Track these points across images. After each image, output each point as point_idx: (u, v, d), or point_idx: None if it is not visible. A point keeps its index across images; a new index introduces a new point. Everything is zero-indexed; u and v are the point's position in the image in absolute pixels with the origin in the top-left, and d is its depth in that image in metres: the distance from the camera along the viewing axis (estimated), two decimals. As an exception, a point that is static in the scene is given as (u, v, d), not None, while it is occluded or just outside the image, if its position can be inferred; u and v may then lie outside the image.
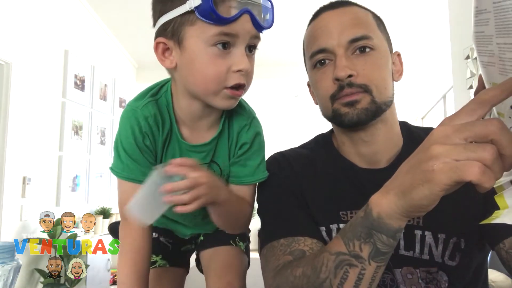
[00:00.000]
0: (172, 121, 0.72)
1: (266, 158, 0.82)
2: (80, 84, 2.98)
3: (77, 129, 2.93)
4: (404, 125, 0.76)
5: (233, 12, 0.59)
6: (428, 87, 4.55)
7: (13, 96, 2.25)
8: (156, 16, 0.66)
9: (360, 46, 0.67)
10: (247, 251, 0.91)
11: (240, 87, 0.64)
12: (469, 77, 2.49)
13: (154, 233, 0.90)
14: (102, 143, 3.33)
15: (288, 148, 0.83)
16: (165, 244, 0.92)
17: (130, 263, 0.69)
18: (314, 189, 0.72)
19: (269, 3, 0.65)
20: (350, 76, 0.65)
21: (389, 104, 0.69)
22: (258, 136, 0.77)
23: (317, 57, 0.70)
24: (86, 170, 3.06)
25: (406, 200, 0.43)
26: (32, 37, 2.44)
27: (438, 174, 0.38)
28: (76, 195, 2.91)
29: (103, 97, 3.37)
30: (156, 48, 0.66)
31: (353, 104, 0.66)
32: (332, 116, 0.70)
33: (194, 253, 0.97)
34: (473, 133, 0.37)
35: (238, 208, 0.73)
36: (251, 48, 0.66)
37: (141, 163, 0.70)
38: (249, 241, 0.93)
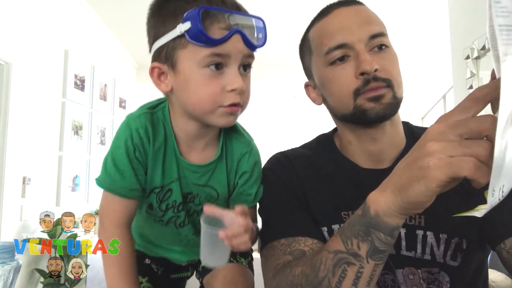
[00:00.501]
0: (169, 136, 0.72)
1: (268, 158, 0.82)
2: (80, 84, 2.97)
3: (77, 129, 2.93)
4: (406, 125, 0.76)
5: (223, 33, 0.60)
6: (428, 87, 4.54)
7: (13, 96, 2.24)
8: (151, 42, 0.68)
9: (377, 42, 0.67)
10: (250, 267, 0.89)
11: (237, 105, 0.65)
12: (469, 77, 2.48)
13: (147, 259, 0.91)
14: (102, 143, 3.33)
15: (289, 148, 0.83)
16: (154, 270, 0.92)
17: (114, 265, 0.70)
18: (315, 189, 0.72)
19: (261, 22, 0.66)
20: (376, 70, 0.65)
21: (402, 100, 0.69)
22: (257, 165, 0.78)
23: (335, 53, 0.68)
24: (86, 170, 3.06)
25: (402, 197, 0.43)
26: (32, 37, 2.43)
27: (433, 170, 0.39)
28: (76, 195, 2.91)
29: (103, 97, 3.37)
30: (151, 73, 0.67)
31: (378, 99, 0.65)
32: (353, 112, 0.68)
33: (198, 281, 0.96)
34: (468, 129, 0.38)
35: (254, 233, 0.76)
36: (245, 67, 0.66)
37: (125, 176, 0.69)
38: (251, 258, 0.91)
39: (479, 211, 0.37)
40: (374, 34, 0.67)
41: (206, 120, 0.67)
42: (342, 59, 0.68)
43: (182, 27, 0.60)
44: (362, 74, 0.65)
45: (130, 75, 4.26)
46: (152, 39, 0.67)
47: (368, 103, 0.66)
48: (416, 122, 5.12)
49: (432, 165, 0.39)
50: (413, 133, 0.75)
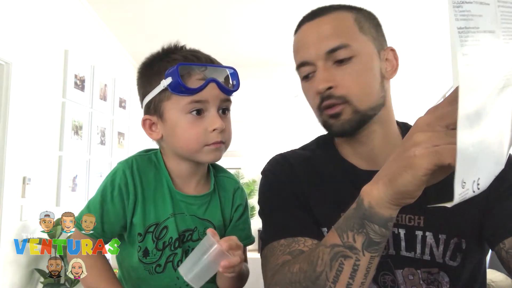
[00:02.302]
0: (162, 175, 0.79)
1: (268, 159, 0.82)
2: (80, 84, 2.97)
3: (77, 129, 2.93)
4: (404, 126, 0.76)
5: (200, 83, 0.71)
6: (428, 87, 4.55)
7: (13, 96, 2.24)
8: (141, 99, 0.79)
9: (336, 57, 0.66)
10: None
11: (219, 142, 0.73)
12: (469, 77, 2.47)
13: None
14: (102, 143, 3.33)
15: (288, 149, 0.84)
16: None
17: (92, 268, 0.71)
18: (315, 190, 0.73)
19: (233, 70, 0.77)
20: (330, 87, 0.66)
21: (376, 108, 0.68)
22: (246, 200, 0.88)
23: (301, 70, 0.72)
24: (86, 170, 3.06)
25: (392, 187, 0.44)
26: (32, 37, 2.43)
27: (419, 159, 0.40)
28: (76, 195, 2.91)
29: (103, 97, 3.37)
30: (143, 125, 0.78)
31: (336, 116, 0.68)
32: (323, 126, 0.73)
33: None
34: (453, 119, 0.39)
35: (244, 276, 0.78)
36: (224, 110, 0.76)
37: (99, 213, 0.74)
38: None
39: (450, 202, 0.38)
40: (330, 49, 0.66)
41: (195, 159, 0.76)
42: (307, 76, 0.71)
43: (165, 82, 0.70)
44: (318, 92, 0.68)
45: (130, 75, 4.26)
46: (142, 96, 0.78)
47: (329, 119, 0.69)
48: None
49: (418, 154, 0.40)
50: None
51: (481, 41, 0.34)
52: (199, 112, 0.72)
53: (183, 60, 0.73)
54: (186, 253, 0.78)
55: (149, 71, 0.76)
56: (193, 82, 0.71)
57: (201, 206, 0.79)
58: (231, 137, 0.77)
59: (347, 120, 0.67)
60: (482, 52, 0.35)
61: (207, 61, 0.75)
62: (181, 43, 0.79)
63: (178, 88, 0.70)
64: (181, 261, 0.78)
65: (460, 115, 0.34)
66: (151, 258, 0.77)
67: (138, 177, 0.76)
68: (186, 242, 0.78)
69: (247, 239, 0.83)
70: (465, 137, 0.35)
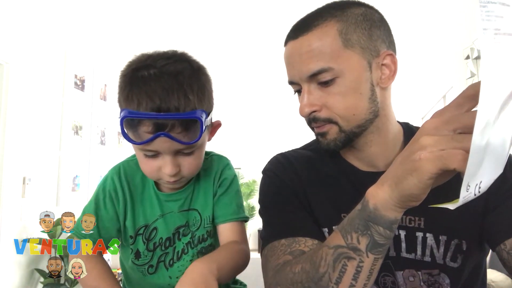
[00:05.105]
0: (148, 178, 0.78)
1: (269, 159, 0.82)
2: (80, 84, 2.97)
3: (77, 129, 2.93)
4: (406, 126, 0.76)
5: (147, 136, 0.63)
6: (428, 87, 4.55)
7: (13, 96, 2.24)
8: None
9: (319, 79, 0.64)
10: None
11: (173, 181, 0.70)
12: (469, 77, 2.49)
13: None
14: (102, 143, 3.33)
15: (289, 148, 0.83)
16: None
17: (92, 269, 0.71)
18: (316, 191, 0.72)
19: (194, 117, 0.63)
20: (314, 111, 0.66)
21: (365, 124, 0.67)
22: (235, 178, 0.84)
23: (291, 86, 0.71)
24: (86, 170, 3.06)
25: (398, 190, 0.44)
26: (32, 37, 2.43)
27: (424, 163, 0.40)
28: (76, 195, 2.91)
29: (103, 97, 3.37)
30: None
31: (323, 135, 0.68)
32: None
33: None
34: (460, 124, 0.39)
35: (235, 263, 0.72)
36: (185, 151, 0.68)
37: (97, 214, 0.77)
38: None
39: (453, 204, 0.38)
40: (312, 73, 0.64)
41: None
42: (298, 91, 0.70)
43: (120, 122, 0.65)
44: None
45: (130, 75, 4.26)
46: None
47: (318, 135, 0.70)
48: (416, 122, 5.11)
49: (423, 158, 0.40)
50: (412, 134, 0.74)
51: (501, 43, 0.34)
52: (151, 156, 0.67)
53: (136, 104, 0.63)
54: (187, 246, 0.79)
55: (118, 88, 0.73)
56: (141, 134, 0.63)
57: (186, 199, 0.79)
58: (194, 170, 0.72)
59: (333, 139, 0.67)
60: (502, 54, 0.34)
61: (163, 109, 0.62)
62: (148, 62, 0.70)
63: (125, 135, 0.65)
64: (172, 259, 0.79)
65: (478, 120, 0.33)
66: (143, 260, 0.78)
67: (125, 182, 0.77)
68: (185, 236, 0.79)
69: (234, 215, 0.79)
70: (478, 142, 0.35)
